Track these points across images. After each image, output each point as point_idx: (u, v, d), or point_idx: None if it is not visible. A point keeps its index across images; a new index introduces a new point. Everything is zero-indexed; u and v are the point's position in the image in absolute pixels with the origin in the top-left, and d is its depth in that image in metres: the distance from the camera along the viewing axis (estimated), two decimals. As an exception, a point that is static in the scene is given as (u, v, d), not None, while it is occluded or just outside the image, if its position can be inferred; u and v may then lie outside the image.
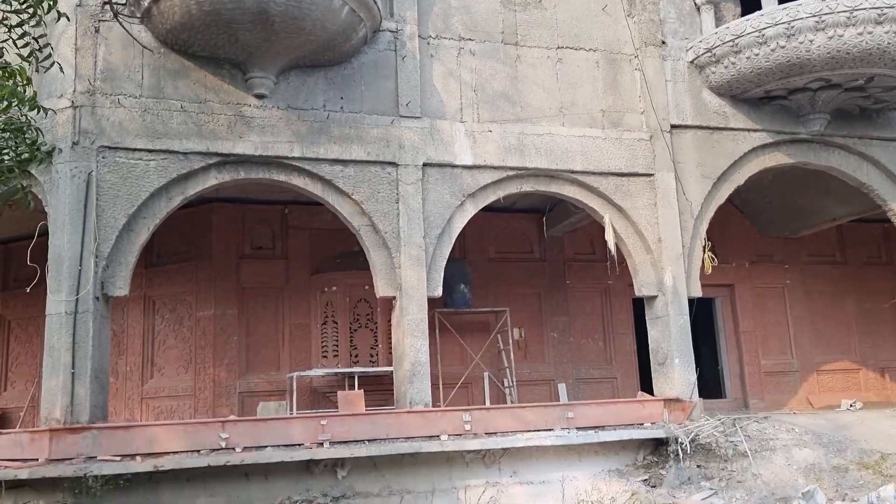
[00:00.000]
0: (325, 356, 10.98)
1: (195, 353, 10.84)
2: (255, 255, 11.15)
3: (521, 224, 12.37)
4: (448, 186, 8.71)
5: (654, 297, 9.42)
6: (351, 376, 10.37)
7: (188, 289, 11.09)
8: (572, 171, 9.19)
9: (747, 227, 13.40)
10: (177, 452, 7.09)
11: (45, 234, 7.65)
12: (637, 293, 9.51)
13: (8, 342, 12.93)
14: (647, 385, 13.11)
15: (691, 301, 9.42)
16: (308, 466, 7.51)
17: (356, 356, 10.96)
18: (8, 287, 13.05)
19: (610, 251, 9.32)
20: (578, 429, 8.34)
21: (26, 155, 7.09)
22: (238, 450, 7.26)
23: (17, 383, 12.67)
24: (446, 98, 8.94)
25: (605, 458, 8.47)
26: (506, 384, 11.63)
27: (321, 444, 7.51)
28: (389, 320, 11.33)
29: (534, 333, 12.17)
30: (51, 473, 6.59)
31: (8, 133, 6.66)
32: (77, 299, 7.22)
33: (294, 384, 10.08)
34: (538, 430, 8.22)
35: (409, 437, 7.81)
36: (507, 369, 11.53)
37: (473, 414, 8.09)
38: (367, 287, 11.27)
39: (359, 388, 10.20)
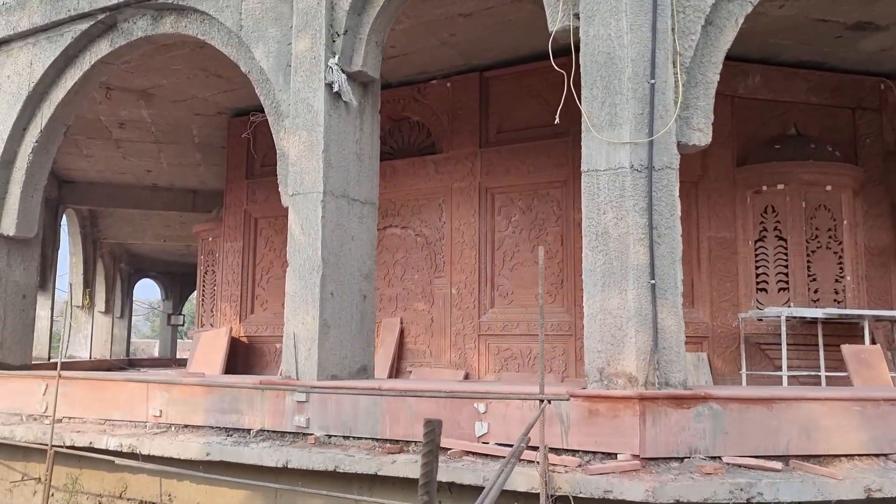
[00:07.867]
0: (762, 289, 7.30)
1: (571, 272, 7.34)
2: (658, 133, 7.44)
3: None
4: None
5: None
6: (808, 322, 6.75)
7: (555, 177, 7.54)
8: None
9: None
10: (856, 456, 3.55)
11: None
12: None
13: (255, 247, 9.94)
14: None
15: None
16: None
17: (815, 291, 7.23)
18: (253, 174, 9.92)
19: None
20: None
21: None
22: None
23: (269, 302, 9.68)
24: None
25: None
26: None
27: None
28: (857, 238, 7.57)
29: None
30: (661, 499, 3.14)
31: None
32: (650, 143, 3.66)
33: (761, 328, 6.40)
34: None
35: None
36: None
37: None
38: (828, 188, 7.51)
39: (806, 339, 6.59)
